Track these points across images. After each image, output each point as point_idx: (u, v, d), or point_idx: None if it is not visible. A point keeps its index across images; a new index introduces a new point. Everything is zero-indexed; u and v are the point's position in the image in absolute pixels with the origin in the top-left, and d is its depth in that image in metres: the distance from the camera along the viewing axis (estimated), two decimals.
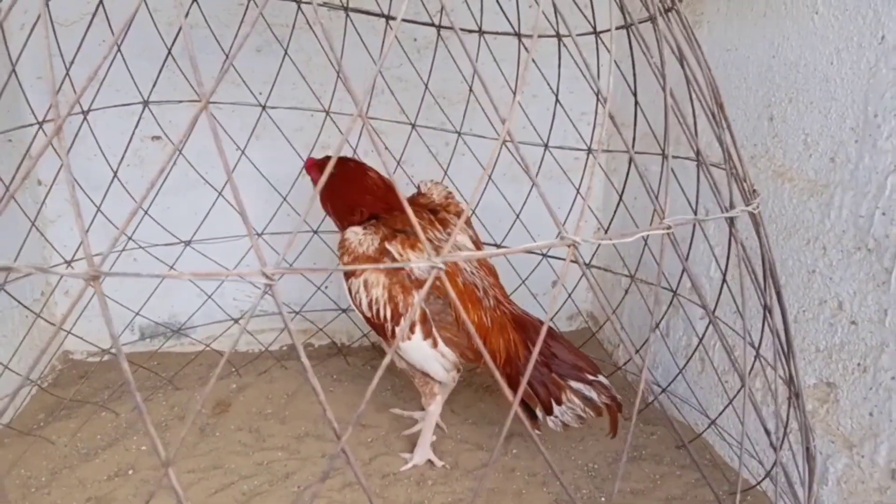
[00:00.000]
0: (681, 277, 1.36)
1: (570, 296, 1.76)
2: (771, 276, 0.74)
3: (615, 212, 1.50)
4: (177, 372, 1.76)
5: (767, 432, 0.80)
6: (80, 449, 1.47)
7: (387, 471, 1.43)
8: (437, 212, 1.42)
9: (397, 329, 1.30)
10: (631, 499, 1.34)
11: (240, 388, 1.71)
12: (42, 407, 1.63)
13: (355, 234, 1.35)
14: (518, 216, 1.58)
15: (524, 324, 1.34)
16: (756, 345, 1.03)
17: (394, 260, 1.30)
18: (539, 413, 1.30)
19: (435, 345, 1.32)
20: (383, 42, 1.61)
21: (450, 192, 1.48)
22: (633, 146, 1.30)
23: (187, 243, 1.62)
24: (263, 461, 1.45)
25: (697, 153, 0.93)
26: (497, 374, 0.49)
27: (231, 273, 0.38)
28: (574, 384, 1.28)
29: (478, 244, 1.45)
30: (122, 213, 1.60)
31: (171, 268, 1.61)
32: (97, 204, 1.48)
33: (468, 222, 1.46)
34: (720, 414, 1.33)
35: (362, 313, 1.35)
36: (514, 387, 1.30)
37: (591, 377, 1.29)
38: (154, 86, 1.50)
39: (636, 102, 1.21)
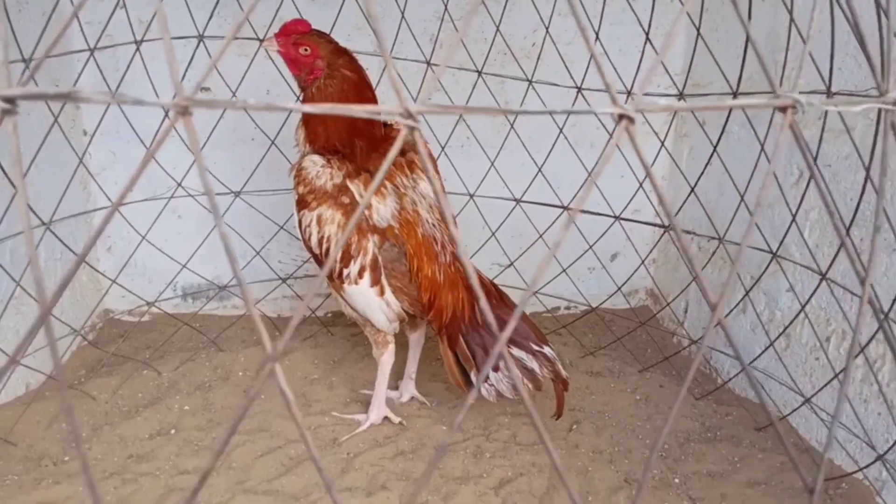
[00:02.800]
0: (783, 239, 1.23)
1: (642, 267, 1.63)
2: None
3: (704, 169, 1.37)
4: (219, 334, 1.70)
5: None
6: (121, 406, 1.41)
7: (438, 441, 1.34)
8: (405, 151, 1.32)
9: (345, 271, 1.23)
10: (708, 481, 1.23)
11: (284, 352, 1.63)
12: (83, 363, 1.58)
13: (314, 164, 1.24)
14: (589, 174, 1.47)
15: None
16: (885, 312, 0.91)
17: (353, 199, 1.22)
18: (473, 377, 1.23)
19: (382, 293, 1.26)
20: None
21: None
22: (737, 88, 1.18)
23: (237, 194, 1.55)
24: (310, 426, 1.37)
25: (829, 88, 0.81)
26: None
27: (366, 110, 0.28)
28: (515, 351, 1.22)
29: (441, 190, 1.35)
30: (168, 159, 1.53)
31: (220, 219, 1.53)
32: (147, 146, 1.41)
33: (436, 167, 1.37)
34: (818, 391, 1.21)
35: (309, 249, 1.28)
36: (453, 346, 1.25)
37: (535, 347, 1.23)
38: (207, 24, 1.42)
39: (748, 38, 1.09)
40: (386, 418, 1.37)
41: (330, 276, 1.27)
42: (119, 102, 0.30)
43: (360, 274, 1.24)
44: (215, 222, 0.32)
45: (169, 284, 1.74)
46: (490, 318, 0.31)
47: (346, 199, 1.23)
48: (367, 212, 1.24)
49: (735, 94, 1.18)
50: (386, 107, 0.29)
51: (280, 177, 1.64)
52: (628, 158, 1.56)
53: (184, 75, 1.48)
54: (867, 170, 0.85)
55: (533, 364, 1.22)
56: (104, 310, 1.80)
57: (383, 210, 1.24)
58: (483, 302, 0.30)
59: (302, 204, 1.25)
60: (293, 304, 1.84)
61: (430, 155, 1.39)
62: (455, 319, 1.25)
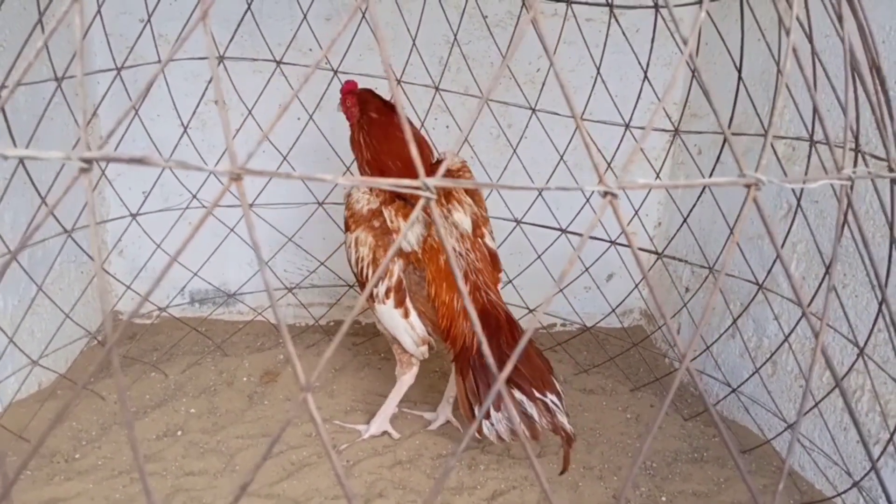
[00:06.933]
0: (769, 271, 1.29)
1: (634, 289, 1.69)
2: None
3: (697, 199, 1.43)
4: (225, 339, 1.75)
5: None
6: (129, 407, 1.46)
7: (435, 452, 1.39)
8: None
9: (375, 290, 1.30)
10: (694, 501, 1.28)
11: (287, 359, 1.69)
12: (92, 363, 1.63)
13: (358, 190, 1.34)
14: (588, 200, 1.52)
15: (487, 316, 1.26)
16: (862, 344, 0.96)
17: (384, 224, 1.31)
18: (477, 412, 1.19)
19: (406, 315, 1.30)
20: (461, 17, 1.57)
21: (464, 162, 1.44)
22: (729, 126, 1.24)
23: (249, 206, 1.60)
24: (312, 433, 1.42)
25: (812, 136, 0.87)
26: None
27: (387, 182, 0.34)
28: (517, 394, 1.16)
29: (480, 224, 1.37)
30: (182, 171, 1.59)
31: (232, 230, 1.59)
32: (162, 154, 1.46)
33: (479, 201, 1.40)
34: (802, 416, 1.26)
35: (351, 268, 1.35)
36: (464, 377, 1.24)
37: (536, 393, 1.16)
38: (228, 46, 1.48)
39: (740, 78, 1.14)
40: (385, 433, 1.41)
41: (368, 298, 1.32)
42: (180, 168, 0.36)
43: (387, 294, 1.29)
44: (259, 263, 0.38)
45: (180, 291, 1.79)
46: (490, 360, 0.36)
47: (376, 223, 1.31)
48: (394, 236, 1.29)
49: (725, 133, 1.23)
50: (406, 181, 0.35)
51: (289, 189, 1.70)
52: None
53: (203, 93, 1.54)
54: (845, 215, 0.91)
55: (532, 411, 1.16)
56: (114, 312, 1.86)
57: (410, 235, 1.30)
58: (485, 347, 0.36)
59: (346, 226, 1.35)
60: (297, 313, 1.89)
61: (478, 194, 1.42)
62: (465, 350, 1.26)
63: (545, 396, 1.17)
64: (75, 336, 1.55)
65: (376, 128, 1.34)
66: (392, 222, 1.30)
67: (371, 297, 1.31)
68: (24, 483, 1.21)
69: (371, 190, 1.33)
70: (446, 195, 1.34)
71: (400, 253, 1.30)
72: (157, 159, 0.36)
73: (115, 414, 1.44)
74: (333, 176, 0.35)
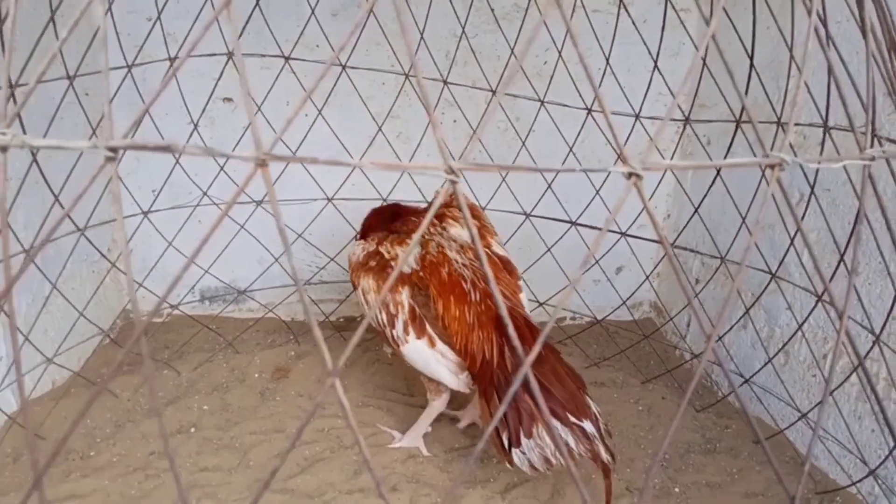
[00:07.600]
0: (781, 260, 1.28)
1: (645, 280, 1.69)
2: None
3: (709, 190, 1.43)
4: (236, 336, 1.76)
5: None
6: (142, 404, 1.47)
7: (448, 445, 1.39)
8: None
9: (394, 332, 1.24)
10: (707, 492, 1.28)
11: (298, 355, 1.69)
12: (105, 361, 1.64)
13: (354, 245, 1.39)
14: (598, 192, 1.52)
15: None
16: (878, 331, 0.96)
17: (382, 259, 1.29)
18: (505, 439, 1.11)
19: (432, 344, 1.23)
20: (468, 11, 1.56)
21: (452, 194, 1.44)
22: (741, 115, 1.23)
23: (259, 203, 1.61)
24: (324, 428, 1.42)
25: (826, 121, 0.86)
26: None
27: (413, 166, 0.34)
28: (551, 420, 1.07)
29: (483, 234, 1.35)
30: (192, 169, 1.59)
31: (242, 227, 1.60)
32: (176, 157, 1.47)
33: (477, 215, 1.40)
34: (814, 407, 1.26)
35: (371, 321, 1.29)
36: (489, 401, 1.15)
37: (572, 418, 1.08)
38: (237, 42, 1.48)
39: (752, 65, 1.14)
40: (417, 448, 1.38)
41: (392, 344, 1.28)
42: (205, 154, 0.36)
43: (406, 330, 1.23)
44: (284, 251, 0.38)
45: (190, 289, 1.79)
46: (516, 342, 0.36)
47: (373, 263, 1.30)
48: (393, 263, 1.27)
49: (738, 121, 1.23)
50: (431, 163, 0.35)
51: (298, 186, 1.70)
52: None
53: (213, 91, 1.54)
54: (860, 201, 0.91)
55: (568, 437, 1.09)
56: (125, 310, 1.86)
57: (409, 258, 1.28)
58: (511, 330, 0.36)
59: (353, 286, 1.35)
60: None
61: (474, 207, 1.44)
62: (486, 365, 1.17)
63: (581, 422, 1.09)
64: (88, 334, 1.56)
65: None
66: (388, 252, 1.29)
67: (395, 342, 1.26)
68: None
69: (366, 238, 1.36)
70: (439, 217, 1.34)
71: (403, 279, 1.26)
72: (183, 146, 0.36)
73: (128, 411, 1.44)
74: (357, 160, 0.35)
